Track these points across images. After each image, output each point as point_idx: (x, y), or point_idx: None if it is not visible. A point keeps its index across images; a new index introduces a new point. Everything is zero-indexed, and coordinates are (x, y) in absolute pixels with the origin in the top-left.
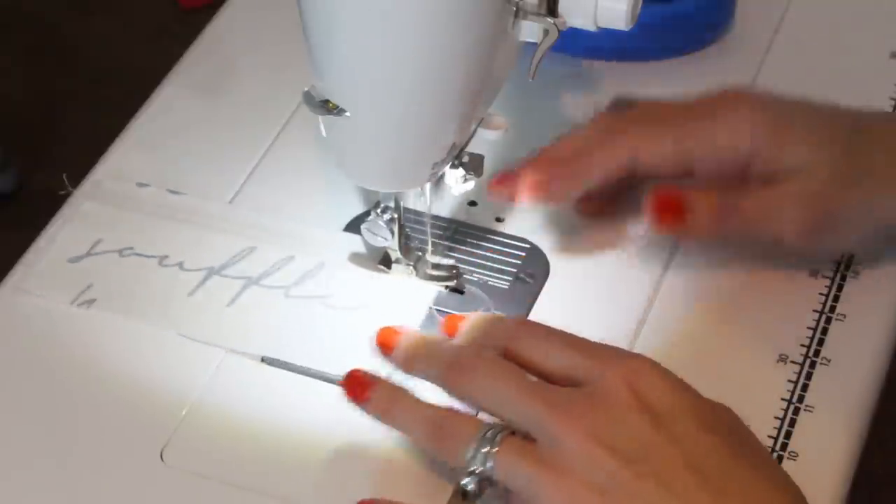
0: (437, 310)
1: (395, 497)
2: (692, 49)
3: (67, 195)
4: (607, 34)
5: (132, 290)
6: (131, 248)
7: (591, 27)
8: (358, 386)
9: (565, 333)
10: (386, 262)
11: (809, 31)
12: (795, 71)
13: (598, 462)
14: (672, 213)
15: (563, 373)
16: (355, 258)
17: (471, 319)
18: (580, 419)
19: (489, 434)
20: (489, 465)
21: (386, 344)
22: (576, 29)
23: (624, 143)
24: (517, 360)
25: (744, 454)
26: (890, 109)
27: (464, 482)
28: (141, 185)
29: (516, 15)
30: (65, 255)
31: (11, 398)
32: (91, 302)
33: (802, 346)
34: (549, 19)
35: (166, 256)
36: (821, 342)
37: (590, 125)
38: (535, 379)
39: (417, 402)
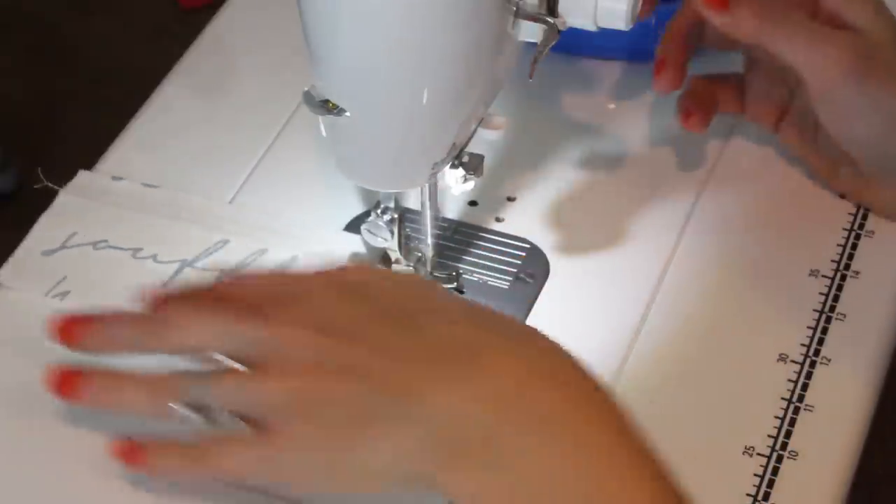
0: None
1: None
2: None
3: (45, 189)
4: (607, 34)
5: (106, 283)
6: (105, 241)
7: (591, 27)
8: (64, 382)
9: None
10: (386, 262)
11: None
12: None
13: (305, 343)
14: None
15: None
16: (354, 258)
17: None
18: (285, 313)
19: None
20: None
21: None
22: (576, 29)
23: None
24: None
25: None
26: None
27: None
28: (116, 178)
29: (516, 15)
30: (39, 247)
31: (11, 398)
32: (65, 294)
33: (802, 345)
34: (549, 19)
35: (140, 249)
36: (821, 342)
37: None
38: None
39: (133, 378)
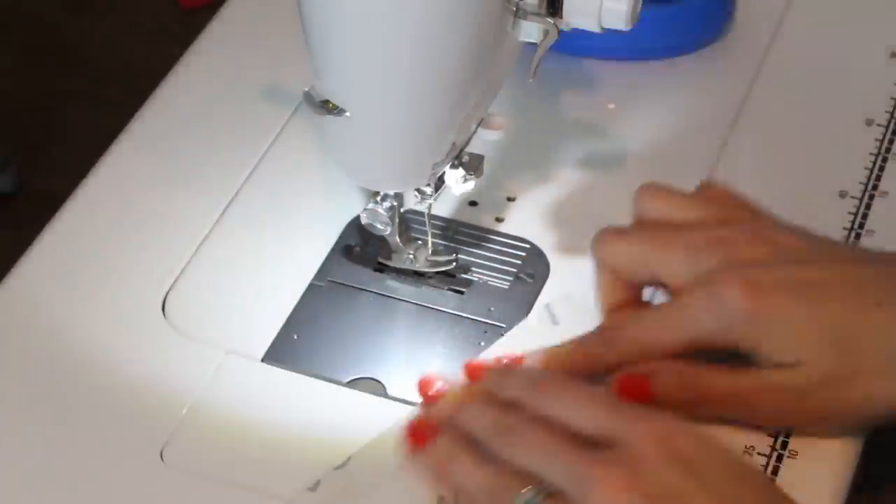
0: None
1: (394, 499)
2: (692, 49)
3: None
4: (607, 34)
5: None
6: None
7: (595, 28)
8: (419, 434)
9: (587, 389)
10: (385, 250)
11: (809, 31)
12: (795, 71)
13: None
14: (637, 395)
15: (589, 433)
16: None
17: (492, 371)
18: (615, 472)
19: (530, 496)
20: None
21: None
22: (576, 29)
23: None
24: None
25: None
26: (890, 109)
27: None
28: None
29: (516, 15)
30: None
31: (11, 398)
32: None
33: None
34: (549, 19)
35: None
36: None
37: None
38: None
39: (475, 462)
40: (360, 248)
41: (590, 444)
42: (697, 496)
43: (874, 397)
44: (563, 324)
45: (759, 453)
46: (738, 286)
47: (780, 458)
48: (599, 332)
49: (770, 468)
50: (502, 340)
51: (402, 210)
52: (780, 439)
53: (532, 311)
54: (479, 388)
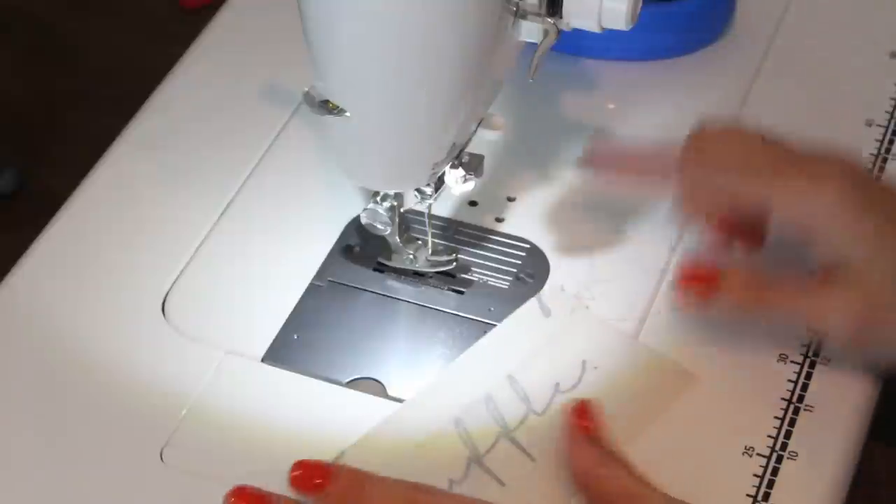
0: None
1: None
2: (692, 49)
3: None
4: (607, 34)
5: None
6: None
7: (595, 28)
8: (311, 477)
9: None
10: (385, 250)
11: (809, 31)
12: (795, 71)
13: None
14: (704, 283)
15: None
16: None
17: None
18: None
19: None
20: None
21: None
22: (576, 29)
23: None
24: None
25: None
26: (890, 109)
27: None
28: None
29: (516, 15)
30: None
31: (11, 398)
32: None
33: (803, 345)
34: (549, 19)
35: None
36: (821, 341)
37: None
38: None
39: (386, 482)
40: (360, 248)
41: None
42: None
43: None
44: (554, 315)
45: (758, 454)
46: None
47: (780, 459)
48: None
49: (770, 468)
50: (494, 332)
51: (402, 210)
52: (780, 440)
53: (524, 304)
54: None
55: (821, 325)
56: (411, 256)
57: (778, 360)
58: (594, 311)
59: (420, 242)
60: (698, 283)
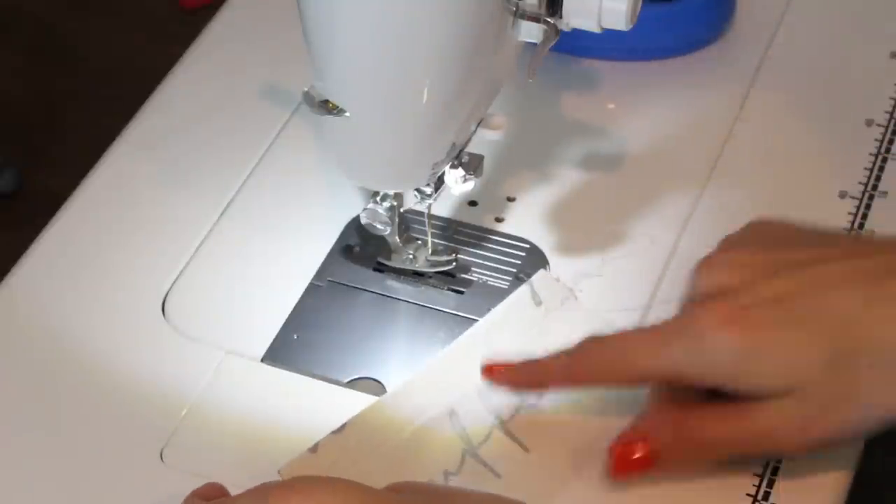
0: None
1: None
2: (692, 49)
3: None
4: (607, 34)
5: None
6: None
7: (594, 28)
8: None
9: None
10: (385, 250)
11: (809, 31)
12: (795, 71)
13: None
14: (637, 466)
15: None
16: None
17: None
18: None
19: None
20: None
21: None
22: (576, 29)
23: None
24: None
25: None
26: (890, 109)
27: None
28: None
29: (516, 15)
30: None
31: (11, 398)
32: None
33: None
34: (548, 19)
35: None
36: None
37: None
38: None
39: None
40: (359, 248)
41: None
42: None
43: (874, 407)
44: (545, 305)
45: None
46: (718, 322)
47: (779, 459)
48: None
49: (770, 468)
50: (486, 318)
51: (401, 210)
52: None
53: (515, 292)
54: None
55: (771, 443)
56: (411, 256)
57: None
58: (586, 304)
59: (420, 242)
60: (633, 466)
